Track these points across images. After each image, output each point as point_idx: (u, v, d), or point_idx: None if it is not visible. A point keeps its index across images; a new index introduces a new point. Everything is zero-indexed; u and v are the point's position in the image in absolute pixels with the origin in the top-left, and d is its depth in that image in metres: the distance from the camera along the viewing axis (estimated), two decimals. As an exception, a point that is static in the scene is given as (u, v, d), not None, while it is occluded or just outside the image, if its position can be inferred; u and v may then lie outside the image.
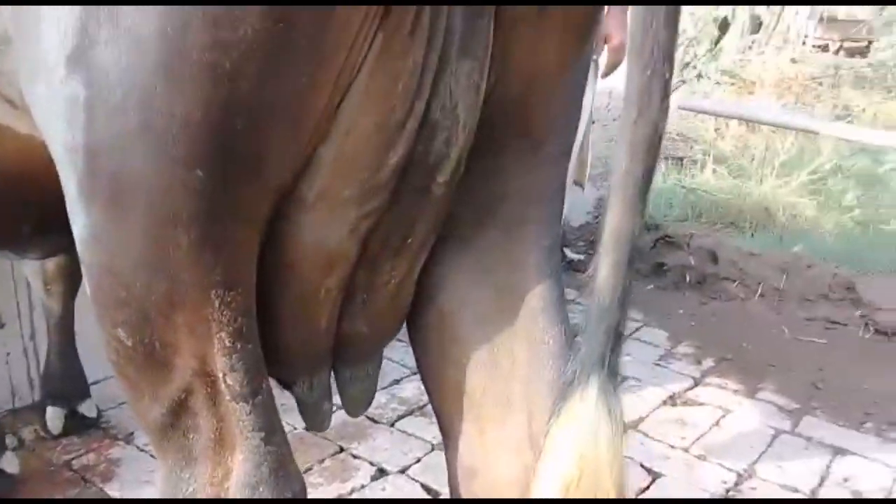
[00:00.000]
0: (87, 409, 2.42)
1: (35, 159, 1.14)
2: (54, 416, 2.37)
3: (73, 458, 2.34)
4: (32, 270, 2.26)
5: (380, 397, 2.63)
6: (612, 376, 0.82)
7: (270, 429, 0.98)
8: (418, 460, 2.40)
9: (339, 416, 2.48)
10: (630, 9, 0.79)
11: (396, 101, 0.84)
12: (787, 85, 9.17)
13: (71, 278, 2.25)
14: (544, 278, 1.01)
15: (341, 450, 2.43)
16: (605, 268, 0.81)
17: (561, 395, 0.84)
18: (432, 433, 2.52)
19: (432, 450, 2.44)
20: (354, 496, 2.22)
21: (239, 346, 0.92)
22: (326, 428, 1.28)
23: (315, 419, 1.22)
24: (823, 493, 2.39)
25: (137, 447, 2.42)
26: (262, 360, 0.96)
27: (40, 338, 2.59)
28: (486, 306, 1.04)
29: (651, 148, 0.78)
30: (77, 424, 2.43)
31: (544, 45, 0.93)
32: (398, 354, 2.83)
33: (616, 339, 0.82)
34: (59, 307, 2.29)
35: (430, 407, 2.70)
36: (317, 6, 0.76)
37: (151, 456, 2.32)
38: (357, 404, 1.18)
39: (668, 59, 0.77)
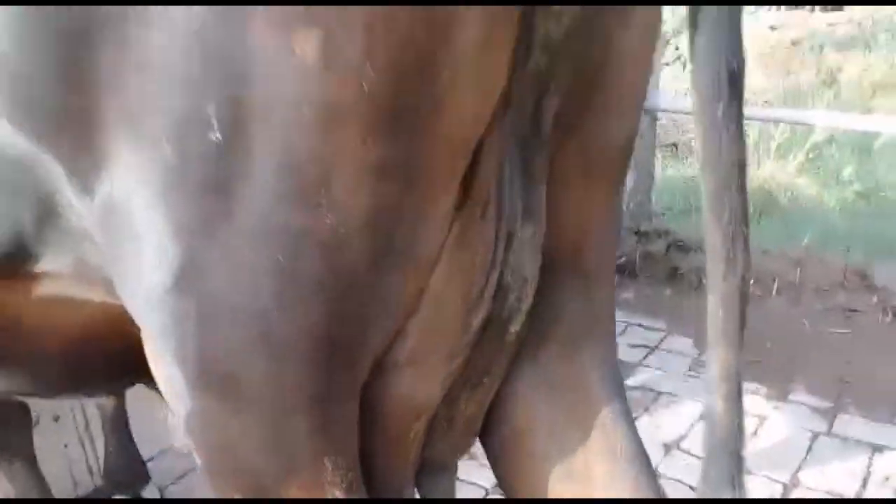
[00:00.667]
0: (149, 492, 2.50)
1: (99, 321, 1.20)
2: (121, 505, 2.45)
3: (144, 543, 2.42)
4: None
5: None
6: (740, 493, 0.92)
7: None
8: (478, 506, 2.48)
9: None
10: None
11: (475, 276, 0.92)
12: (772, 53, 9.26)
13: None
14: (608, 393, 1.09)
15: None
16: (720, 402, 0.90)
17: None
18: (484, 477, 2.59)
19: (487, 494, 2.52)
20: None
21: (352, 497, 1.00)
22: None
23: None
24: (867, 495, 2.48)
25: (203, 524, 2.49)
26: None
27: (94, 426, 2.67)
28: (557, 421, 1.11)
29: (743, 296, 0.87)
30: (143, 508, 2.51)
31: (590, 197, 1.01)
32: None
33: (740, 462, 0.91)
34: (111, 404, 2.37)
35: (476, 450, 2.78)
36: (413, 218, 0.83)
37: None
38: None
39: (745, 217, 0.85)
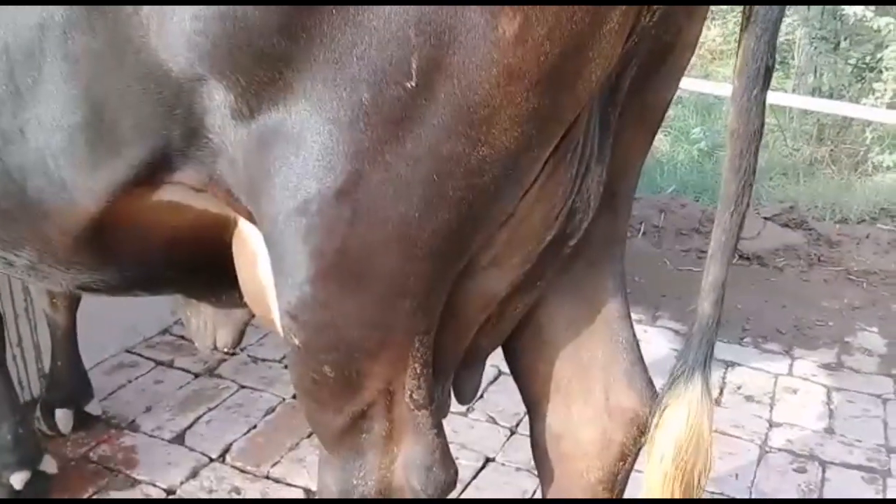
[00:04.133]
0: (93, 407, 2.61)
1: (200, 227, 1.39)
2: (65, 418, 2.54)
3: (88, 451, 2.54)
4: (38, 289, 2.39)
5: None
6: (708, 371, 1.25)
7: (440, 426, 1.32)
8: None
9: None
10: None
11: (557, 201, 1.19)
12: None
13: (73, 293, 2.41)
14: (617, 297, 1.41)
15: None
16: (706, 305, 1.23)
17: (670, 384, 1.25)
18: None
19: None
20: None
21: (425, 371, 1.26)
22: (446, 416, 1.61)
23: (440, 413, 1.57)
24: (724, 402, 2.99)
25: (146, 433, 2.64)
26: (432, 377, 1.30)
27: (25, 343, 2.72)
28: (573, 317, 1.42)
29: (739, 228, 1.20)
30: (83, 420, 2.61)
31: (636, 143, 1.32)
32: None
33: (711, 347, 1.25)
34: (64, 319, 2.45)
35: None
36: (534, 154, 1.09)
37: (161, 440, 2.57)
38: (469, 396, 1.54)
39: (753, 171, 1.18)
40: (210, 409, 2.76)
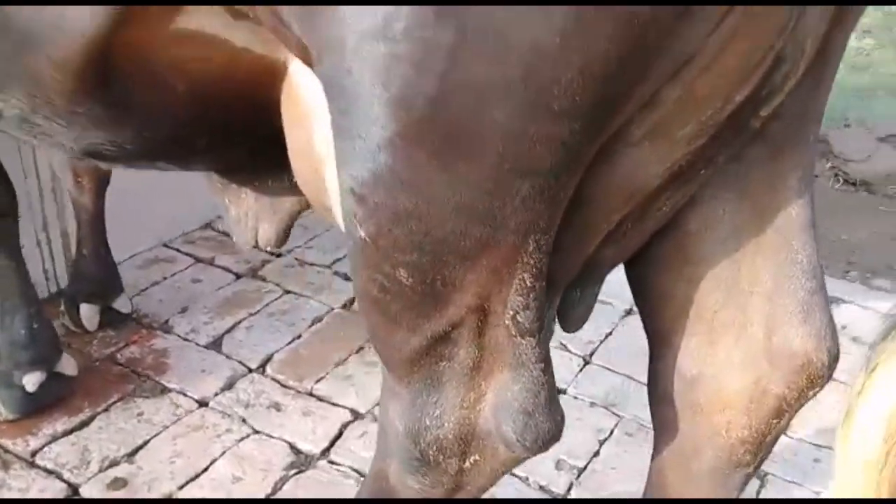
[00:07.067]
0: (122, 304, 2.34)
1: (239, 73, 1.05)
2: (90, 314, 2.28)
3: (115, 352, 2.29)
4: (61, 165, 2.09)
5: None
6: None
7: (548, 360, 0.99)
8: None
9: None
10: None
11: (763, 37, 0.81)
12: None
13: (101, 172, 2.11)
14: (803, 198, 1.03)
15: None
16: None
17: (883, 336, 0.88)
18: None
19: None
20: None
21: (537, 285, 0.92)
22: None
23: (547, 342, 1.23)
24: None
25: (179, 336, 2.37)
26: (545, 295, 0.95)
27: (51, 229, 2.44)
28: (734, 226, 1.05)
29: None
30: (112, 318, 2.35)
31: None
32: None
33: None
34: (91, 202, 2.16)
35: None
36: None
37: (197, 344, 2.30)
38: (579, 322, 1.19)
39: None
40: (251, 315, 2.48)
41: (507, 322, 0.95)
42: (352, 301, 2.57)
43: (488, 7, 0.71)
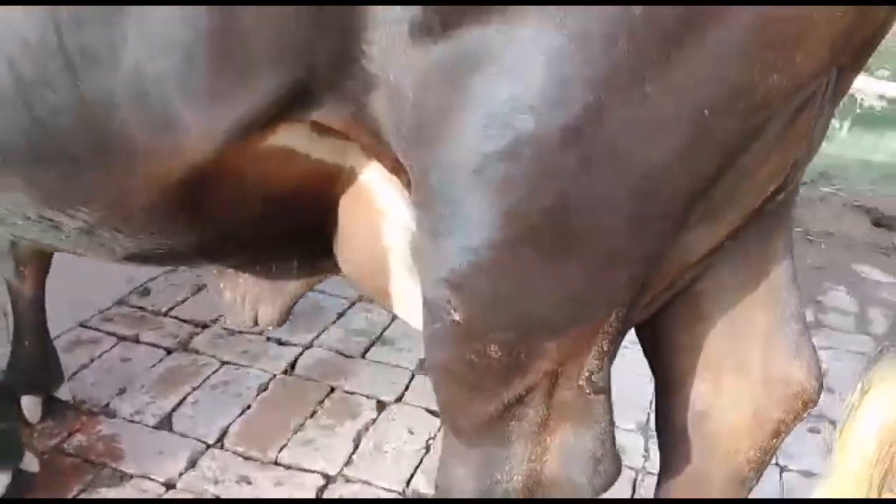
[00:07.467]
0: (63, 392, 2.27)
1: (308, 180, 1.15)
2: (33, 405, 2.20)
3: (61, 443, 2.21)
4: (2, 255, 2.02)
5: (335, 331, 2.75)
6: None
7: (612, 414, 1.15)
8: (407, 387, 2.57)
9: (313, 355, 2.59)
10: None
11: (793, 147, 1.02)
12: None
13: (45, 257, 2.07)
14: (786, 258, 1.26)
15: (332, 389, 2.53)
16: None
17: (872, 363, 1.12)
18: (404, 360, 2.69)
19: (412, 378, 2.61)
20: (372, 431, 2.36)
21: (611, 348, 1.08)
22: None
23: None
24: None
25: (125, 419, 2.33)
26: None
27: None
28: (737, 283, 1.26)
29: None
30: (49, 408, 2.27)
31: (825, 122, 1.13)
32: (332, 287, 2.89)
33: None
34: (32, 290, 2.09)
35: (388, 334, 2.85)
36: (813, 83, 0.91)
37: (145, 425, 2.28)
38: None
39: None
40: (194, 389, 2.47)
41: (581, 383, 1.10)
42: (293, 366, 2.62)
43: (611, 134, 0.86)
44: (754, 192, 1.05)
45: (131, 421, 2.32)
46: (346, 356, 2.70)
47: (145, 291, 2.97)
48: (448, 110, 0.90)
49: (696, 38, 0.80)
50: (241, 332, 2.78)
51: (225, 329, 2.79)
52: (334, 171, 1.17)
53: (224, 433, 2.30)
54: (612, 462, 1.16)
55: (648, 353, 1.39)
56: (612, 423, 1.15)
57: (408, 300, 1.25)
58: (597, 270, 0.97)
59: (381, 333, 2.84)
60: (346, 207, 1.21)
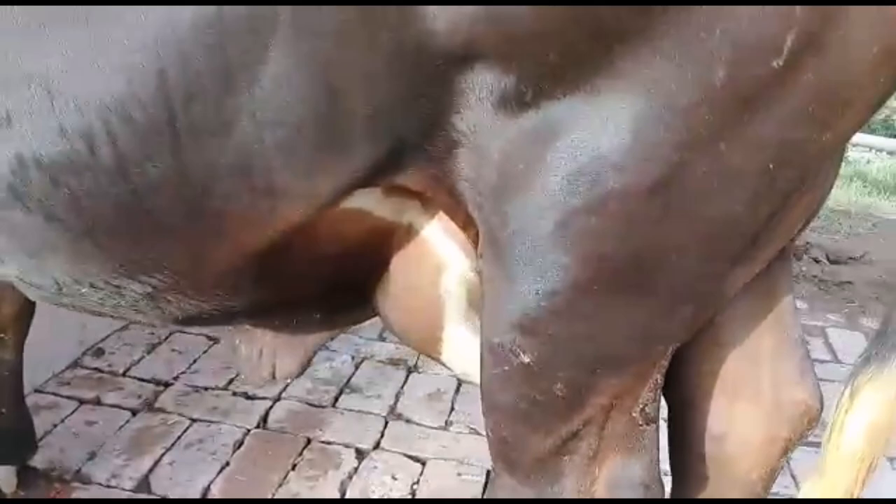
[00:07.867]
0: (38, 461, 2.19)
1: (370, 238, 1.22)
2: (8, 475, 2.11)
3: (37, 514, 2.14)
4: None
5: (302, 382, 2.77)
6: None
7: (658, 442, 1.26)
8: (382, 434, 2.60)
9: (284, 407, 2.60)
10: None
11: (819, 189, 1.14)
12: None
13: (25, 323, 2.02)
14: (788, 292, 1.41)
15: (309, 440, 2.54)
16: None
17: (858, 373, 1.24)
18: (374, 407, 2.73)
19: (387, 424, 2.66)
20: (356, 479, 2.38)
21: (661, 380, 1.19)
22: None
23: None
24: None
25: (101, 485, 2.27)
26: None
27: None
28: (749, 314, 1.39)
29: None
30: (24, 477, 2.19)
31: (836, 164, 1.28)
32: (294, 337, 2.90)
33: None
34: (13, 356, 2.03)
35: (355, 382, 2.89)
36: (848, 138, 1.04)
37: (123, 489, 2.24)
38: None
39: None
40: (167, 450, 2.43)
41: (634, 414, 1.20)
42: (265, 420, 2.62)
43: (690, 186, 0.96)
44: (790, 230, 1.18)
45: (108, 486, 2.26)
46: (316, 406, 2.71)
47: (99, 352, 2.90)
48: (533, 169, 0.98)
49: (767, 102, 0.92)
50: (206, 389, 2.76)
51: (188, 386, 2.76)
52: (392, 228, 1.24)
53: (206, 492, 2.28)
54: (659, 486, 1.26)
55: (667, 383, 1.51)
56: (658, 450, 1.26)
57: (458, 346, 1.32)
58: (667, 309, 1.07)
59: (348, 381, 2.87)
60: (403, 261, 1.28)
